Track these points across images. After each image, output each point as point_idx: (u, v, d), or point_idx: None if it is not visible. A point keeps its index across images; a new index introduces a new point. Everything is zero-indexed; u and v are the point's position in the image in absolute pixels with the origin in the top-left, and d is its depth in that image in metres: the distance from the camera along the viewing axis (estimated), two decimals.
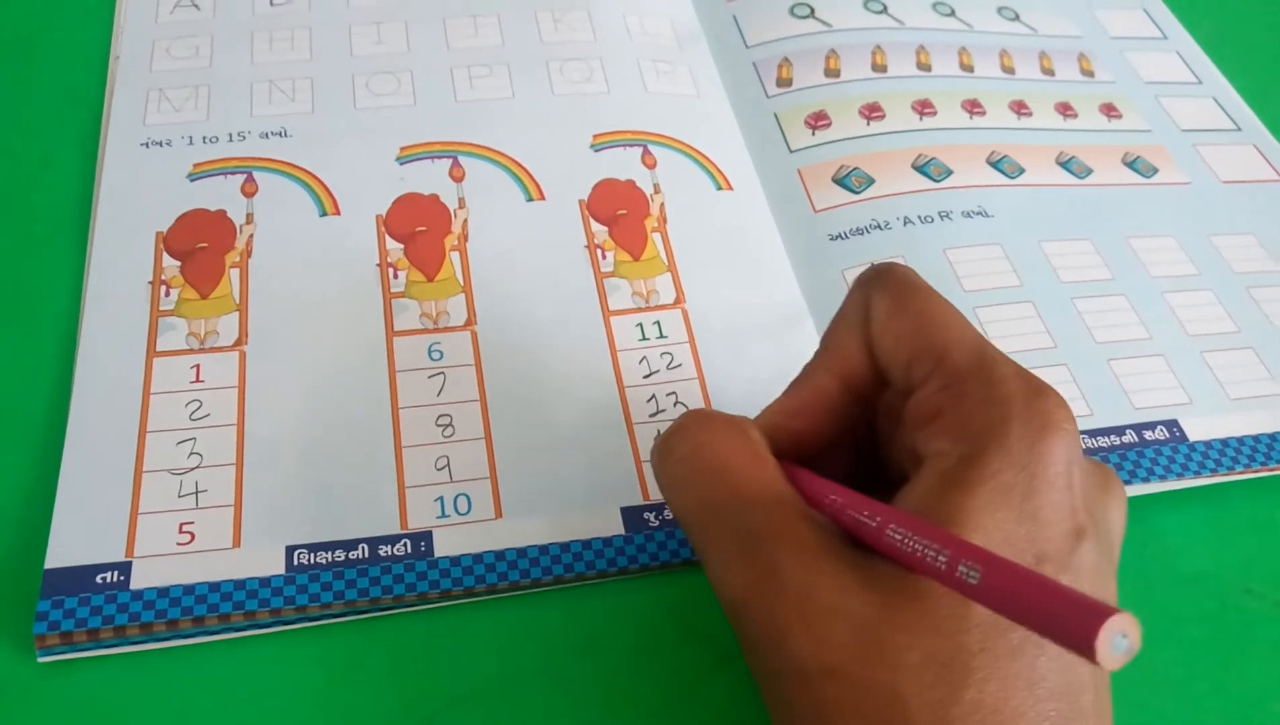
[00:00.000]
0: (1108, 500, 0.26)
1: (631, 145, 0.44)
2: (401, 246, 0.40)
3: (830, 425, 0.28)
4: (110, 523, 0.32)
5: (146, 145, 0.42)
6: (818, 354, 0.29)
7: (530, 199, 0.42)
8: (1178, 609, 0.34)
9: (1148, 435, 0.37)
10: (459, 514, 0.33)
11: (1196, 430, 0.37)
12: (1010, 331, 0.39)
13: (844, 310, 0.29)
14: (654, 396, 0.37)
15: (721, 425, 0.27)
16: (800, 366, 0.38)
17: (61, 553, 0.31)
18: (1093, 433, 0.37)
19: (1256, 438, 0.37)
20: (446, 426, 0.35)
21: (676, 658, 0.32)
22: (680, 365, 0.38)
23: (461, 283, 0.39)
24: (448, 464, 0.34)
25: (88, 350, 0.36)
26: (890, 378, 0.27)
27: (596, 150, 0.44)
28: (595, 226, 0.41)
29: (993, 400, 0.24)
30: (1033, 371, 0.37)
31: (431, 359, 0.37)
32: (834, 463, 0.29)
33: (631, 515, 0.34)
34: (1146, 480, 0.36)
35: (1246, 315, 0.41)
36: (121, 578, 0.31)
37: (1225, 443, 0.37)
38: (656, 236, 0.41)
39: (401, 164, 0.42)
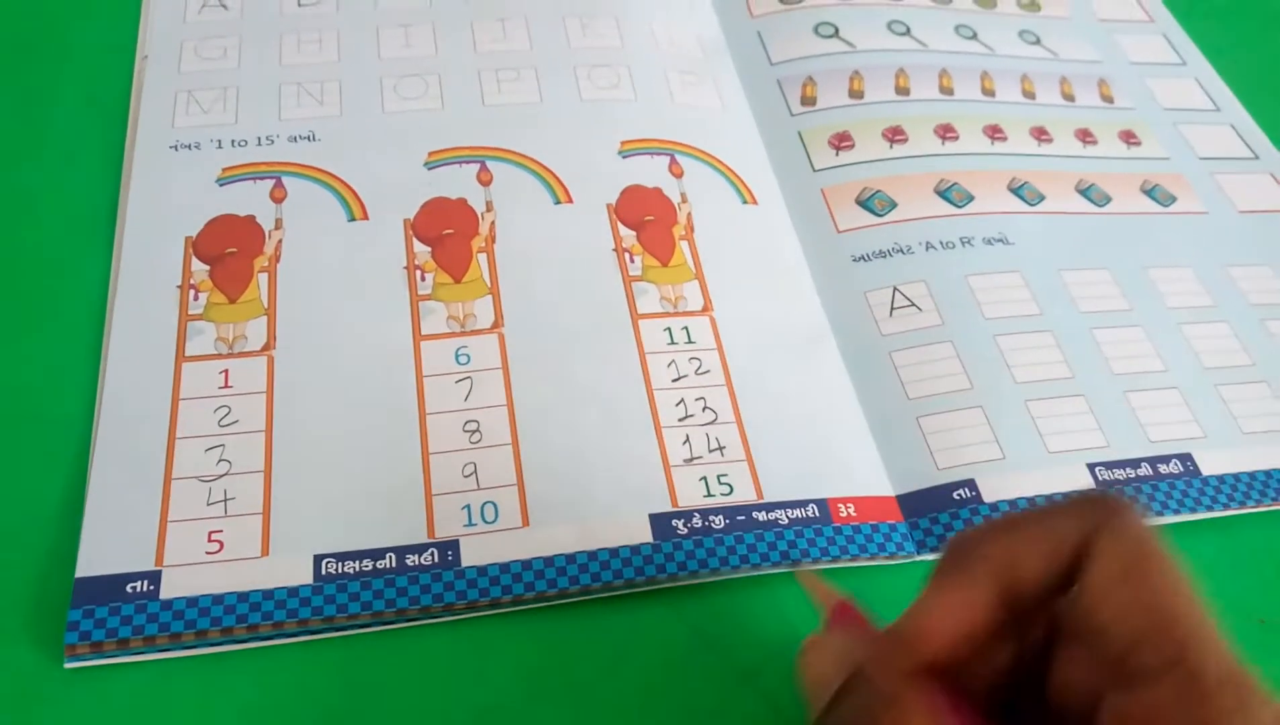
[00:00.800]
0: None
1: (659, 154, 0.44)
2: (429, 249, 0.40)
3: (975, 637, 0.24)
4: (140, 531, 0.32)
5: (175, 148, 0.42)
6: (976, 555, 0.24)
7: (558, 202, 0.42)
8: None
9: (1162, 469, 0.37)
10: (486, 522, 0.34)
11: (1210, 464, 0.38)
12: (1029, 360, 0.39)
13: (1041, 520, 0.24)
14: (683, 400, 0.37)
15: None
16: (822, 385, 0.38)
17: (92, 561, 0.31)
18: (1109, 464, 0.37)
19: (1269, 473, 0.38)
20: (474, 432, 0.35)
21: (701, 674, 0.32)
22: (709, 371, 0.38)
23: (489, 284, 0.39)
24: (475, 471, 0.35)
25: (116, 355, 0.36)
26: (1093, 642, 0.23)
27: (624, 156, 0.44)
28: (623, 231, 0.41)
29: None
30: (1050, 401, 0.38)
31: (459, 363, 0.37)
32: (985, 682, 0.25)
33: (660, 522, 0.34)
34: (1160, 513, 0.36)
35: (1261, 348, 0.42)
36: (151, 587, 0.31)
37: (1238, 478, 0.38)
38: (684, 244, 0.41)
39: (430, 169, 0.42)
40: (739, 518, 0.34)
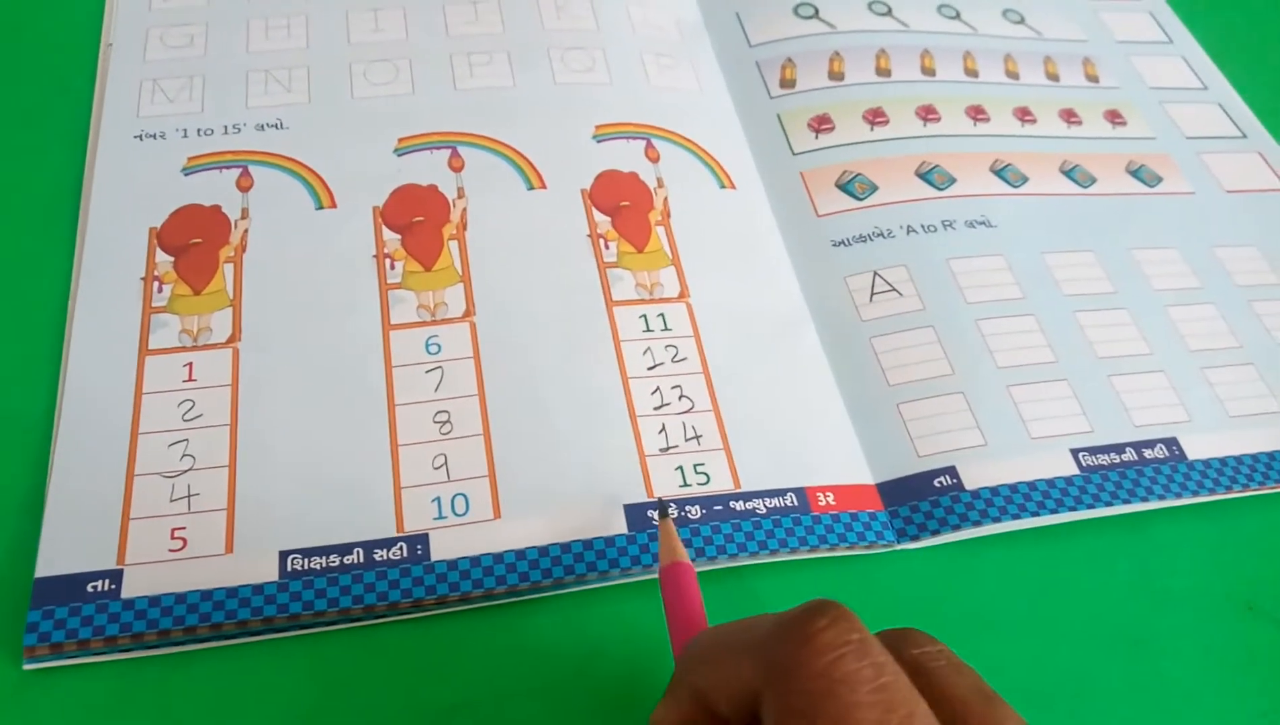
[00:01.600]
0: None
1: (634, 138, 0.43)
2: (399, 237, 0.39)
3: None
4: (101, 528, 0.31)
5: (140, 137, 0.41)
6: (693, 667, 0.25)
7: (531, 188, 0.41)
8: (1178, 626, 0.34)
9: (1147, 453, 0.37)
10: (456, 515, 0.33)
11: (1196, 449, 0.37)
12: (1012, 345, 0.39)
13: (724, 668, 0.24)
14: (658, 389, 0.36)
15: None
16: (801, 372, 0.38)
17: (52, 560, 0.31)
18: (1093, 450, 0.37)
19: (1255, 457, 0.37)
20: (444, 423, 0.35)
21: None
22: (685, 359, 0.37)
23: (460, 272, 0.38)
24: (445, 463, 0.34)
25: (78, 349, 0.35)
26: None
27: (599, 141, 0.43)
28: (598, 216, 0.41)
29: None
30: (1032, 386, 0.37)
31: (429, 353, 0.36)
32: None
33: (636, 513, 0.33)
34: (1146, 499, 0.36)
35: (1248, 330, 0.41)
36: (113, 586, 0.30)
37: (1224, 462, 0.37)
38: (660, 230, 0.41)
39: (400, 155, 0.42)
40: (716, 507, 0.34)
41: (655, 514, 0.33)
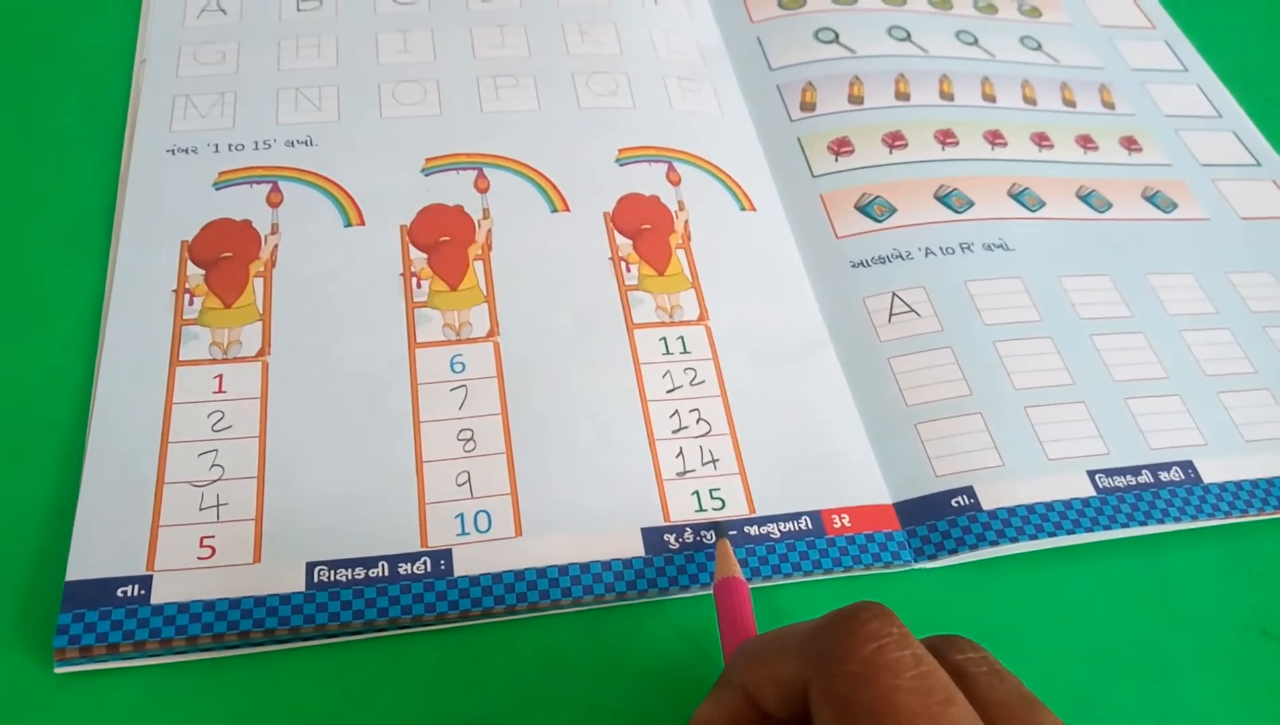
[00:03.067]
0: None
1: (656, 161, 0.44)
2: (425, 256, 0.40)
3: None
4: (131, 535, 0.32)
5: (172, 152, 0.42)
6: (743, 665, 0.26)
7: (555, 210, 0.42)
8: (1194, 648, 0.34)
9: (1163, 476, 0.37)
10: (479, 531, 0.33)
11: (1211, 472, 0.38)
12: (1029, 366, 0.39)
13: (771, 666, 0.25)
14: (677, 412, 0.37)
15: None
16: (819, 393, 0.38)
17: (82, 564, 0.31)
18: (1109, 472, 0.37)
19: (1270, 481, 0.38)
20: (468, 441, 0.35)
21: (693, 685, 0.32)
22: (703, 382, 0.38)
23: (485, 292, 0.39)
24: (468, 479, 0.34)
25: (110, 358, 0.36)
26: None
27: (621, 164, 0.44)
28: (620, 239, 0.41)
29: None
30: (1049, 407, 0.38)
31: (454, 371, 0.37)
32: None
33: (652, 536, 0.34)
34: (1161, 522, 0.36)
35: (1262, 355, 0.41)
36: (142, 591, 0.31)
37: (1239, 485, 0.37)
38: (681, 253, 0.41)
39: (427, 175, 0.42)
40: (731, 533, 0.34)
41: (713, 534, 0.34)
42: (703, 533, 0.34)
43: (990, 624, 0.34)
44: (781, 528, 0.34)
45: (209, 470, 0.34)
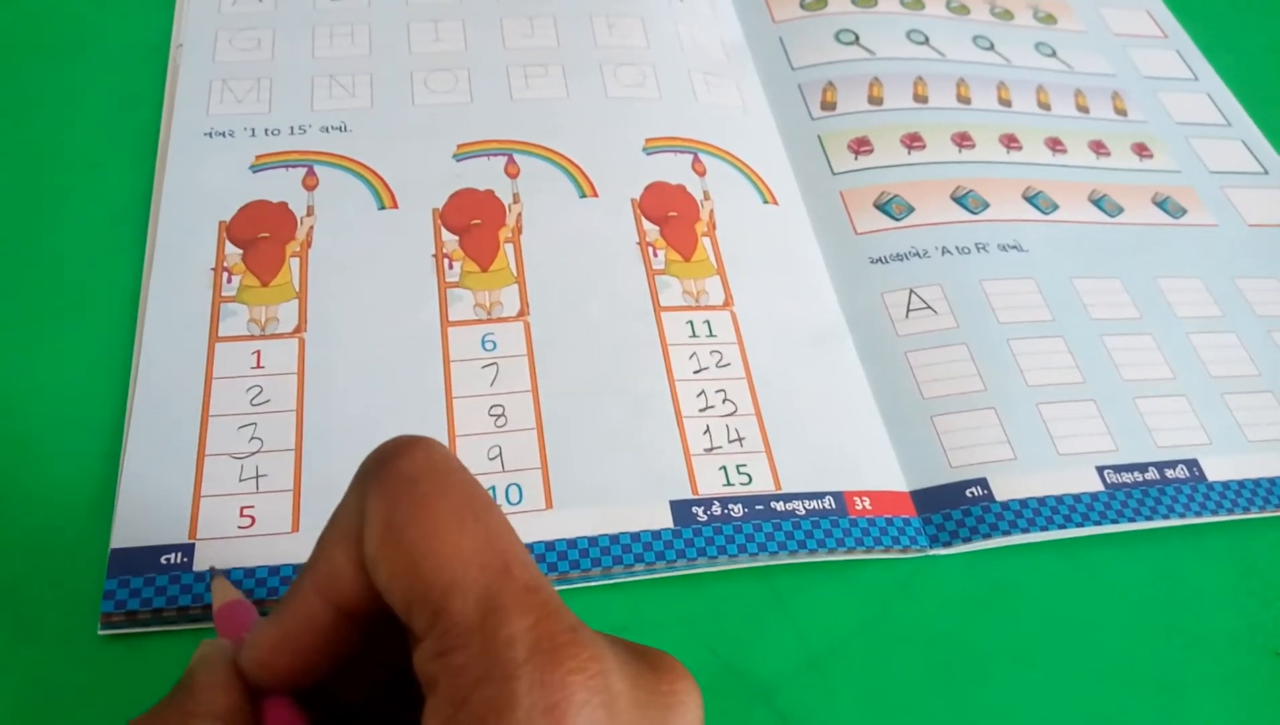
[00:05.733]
0: None
1: (682, 151, 0.45)
2: (457, 238, 0.41)
3: (330, 650, 0.23)
4: (174, 504, 0.33)
5: (210, 135, 0.43)
6: (306, 567, 0.23)
7: (584, 196, 0.43)
8: (1197, 633, 0.35)
9: (1169, 473, 0.38)
10: (510, 504, 0.34)
11: (1215, 470, 0.39)
12: (1041, 364, 0.40)
13: (339, 511, 0.22)
14: (703, 391, 0.38)
15: None
16: (839, 382, 0.39)
17: (127, 533, 0.32)
18: (1117, 468, 0.38)
19: (1272, 480, 0.39)
20: (499, 416, 0.36)
21: (710, 647, 0.33)
22: (729, 364, 0.39)
23: (515, 274, 0.40)
24: (500, 454, 0.35)
25: (152, 334, 0.37)
26: (399, 617, 0.21)
27: (649, 153, 0.45)
28: (647, 225, 0.42)
29: (492, 675, 0.19)
30: (1061, 404, 0.39)
31: (485, 349, 0.38)
32: (375, 677, 0.24)
33: (680, 509, 0.35)
34: (1167, 517, 0.37)
35: (1267, 358, 0.43)
36: (184, 559, 0.32)
37: (1242, 484, 0.39)
38: (706, 241, 0.42)
39: (458, 161, 0.43)
40: (757, 507, 0.35)
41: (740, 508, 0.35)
42: (730, 506, 0.35)
43: (1001, 609, 0.35)
44: (806, 505, 0.35)
45: (248, 443, 0.35)
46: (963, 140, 0.48)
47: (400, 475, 0.21)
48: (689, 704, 0.21)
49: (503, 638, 0.19)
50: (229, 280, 0.38)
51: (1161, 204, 0.48)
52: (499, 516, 0.21)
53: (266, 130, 0.43)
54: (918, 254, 0.43)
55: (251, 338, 0.37)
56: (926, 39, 0.52)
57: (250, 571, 0.32)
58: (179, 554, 0.32)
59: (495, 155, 0.44)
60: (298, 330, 0.38)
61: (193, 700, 0.22)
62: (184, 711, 0.22)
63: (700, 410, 0.37)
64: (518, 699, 0.18)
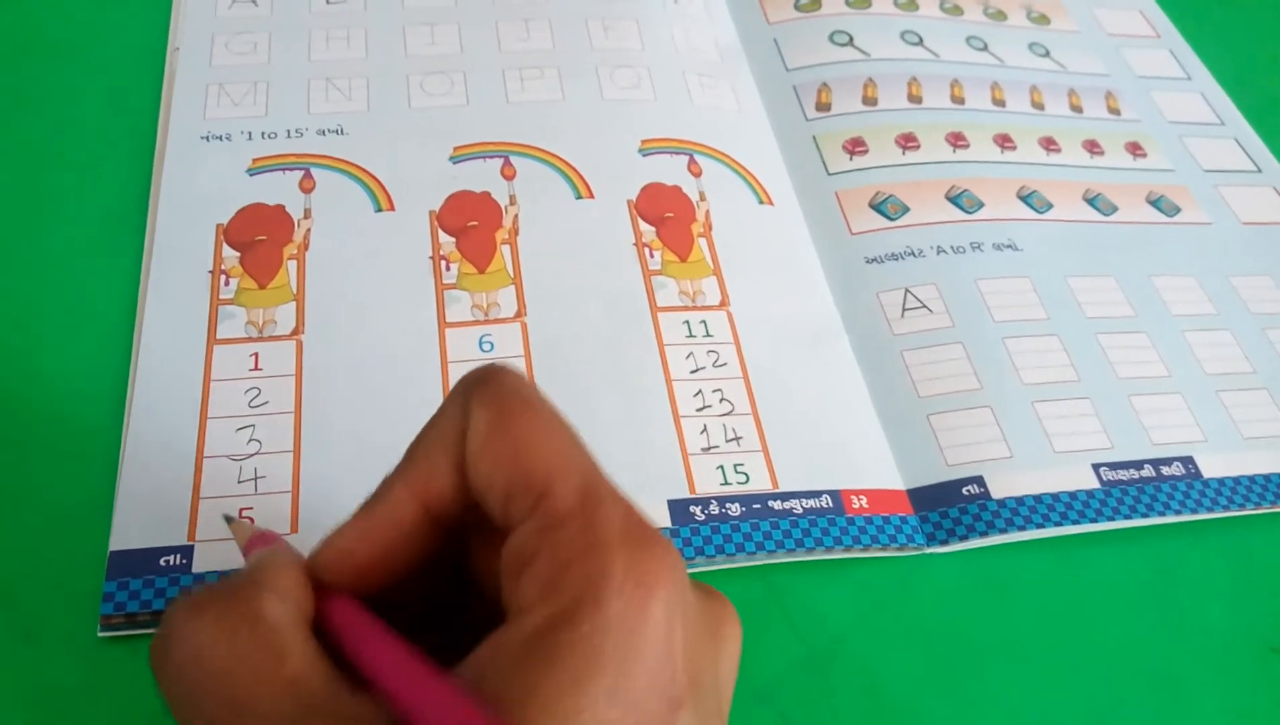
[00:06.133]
0: (717, 652, 0.23)
1: (678, 153, 0.45)
2: (454, 240, 0.41)
3: (408, 554, 0.24)
4: (173, 507, 0.33)
5: (206, 138, 0.43)
6: (400, 467, 0.25)
7: (580, 197, 0.43)
8: (1192, 627, 0.35)
9: (1164, 471, 0.39)
10: None
11: (1211, 468, 0.39)
12: (1037, 363, 0.40)
13: (439, 418, 0.24)
14: (700, 391, 0.38)
15: (221, 616, 0.22)
16: (835, 381, 0.39)
17: (126, 535, 0.32)
18: (1113, 465, 0.38)
19: (1267, 477, 0.39)
20: None
21: None
22: (726, 364, 0.39)
23: (512, 275, 0.40)
24: None
25: (150, 336, 0.37)
26: (487, 509, 0.23)
27: (644, 155, 0.45)
28: (643, 226, 0.42)
29: (592, 548, 0.21)
30: (1056, 403, 0.39)
31: (482, 350, 0.38)
32: (424, 590, 0.25)
33: (679, 508, 0.35)
34: (1162, 514, 0.37)
35: (1261, 356, 0.43)
36: (184, 560, 0.32)
37: (1237, 481, 0.39)
38: (702, 241, 0.42)
39: (455, 163, 0.43)
40: (755, 506, 0.35)
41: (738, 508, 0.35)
42: (727, 504, 0.35)
43: (998, 606, 0.35)
44: (804, 504, 0.36)
45: (246, 445, 0.35)
46: (957, 140, 0.48)
47: (504, 385, 0.23)
48: (734, 638, 0.23)
49: (601, 518, 0.21)
50: (227, 283, 0.39)
51: (1155, 203, 0.48)
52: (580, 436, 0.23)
53: (263, 133, 0.43)
54: (913, 253, 0.43)
55: (249, 340, 0.37)
56: (921, 40, 0.53)
57: None
58: (178, 556, 0.32)
59: (491, 157, 0.44)
60: (295, 332, 0.38)
61: (265, 578, 0.23)
62: (256, 585, 0.22)
63: (697, 410, 0.37)
64: (614, 569, 0.20)
